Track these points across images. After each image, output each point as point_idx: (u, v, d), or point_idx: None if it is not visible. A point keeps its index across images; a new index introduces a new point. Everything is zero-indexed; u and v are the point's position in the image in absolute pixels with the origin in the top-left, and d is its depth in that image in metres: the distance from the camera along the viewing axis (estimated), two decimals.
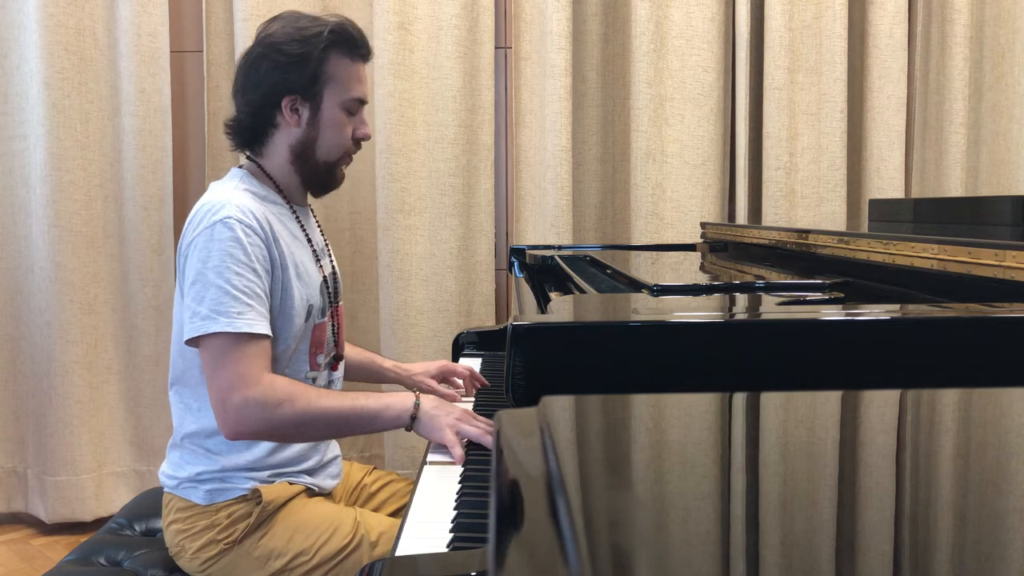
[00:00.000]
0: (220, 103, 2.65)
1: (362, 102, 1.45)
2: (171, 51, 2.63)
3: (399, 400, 1.32)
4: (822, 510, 0.45)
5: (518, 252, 2.17)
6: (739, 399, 0.66)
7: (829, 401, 0.66)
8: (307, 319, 1.42)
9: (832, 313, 0.87)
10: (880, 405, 0.64)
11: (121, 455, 2.70)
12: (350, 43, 1.41)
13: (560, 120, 2.57)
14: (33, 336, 2.62)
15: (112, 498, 2.67)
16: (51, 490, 2.60)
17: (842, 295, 1.08)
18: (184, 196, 2.72)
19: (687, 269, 1.52)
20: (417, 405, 1.31)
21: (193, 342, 1.31)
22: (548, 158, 2.60)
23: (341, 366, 1.55)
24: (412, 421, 1.31)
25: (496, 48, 2.68)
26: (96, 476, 2.64)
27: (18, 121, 2.60)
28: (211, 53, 2.64)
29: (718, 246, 2.09)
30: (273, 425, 1.28)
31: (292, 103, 1.40)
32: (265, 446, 1.40)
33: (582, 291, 1.34)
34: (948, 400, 0.66)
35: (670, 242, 2.55)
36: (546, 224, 2.63)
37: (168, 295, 2.67)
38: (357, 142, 1.47)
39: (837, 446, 0.56)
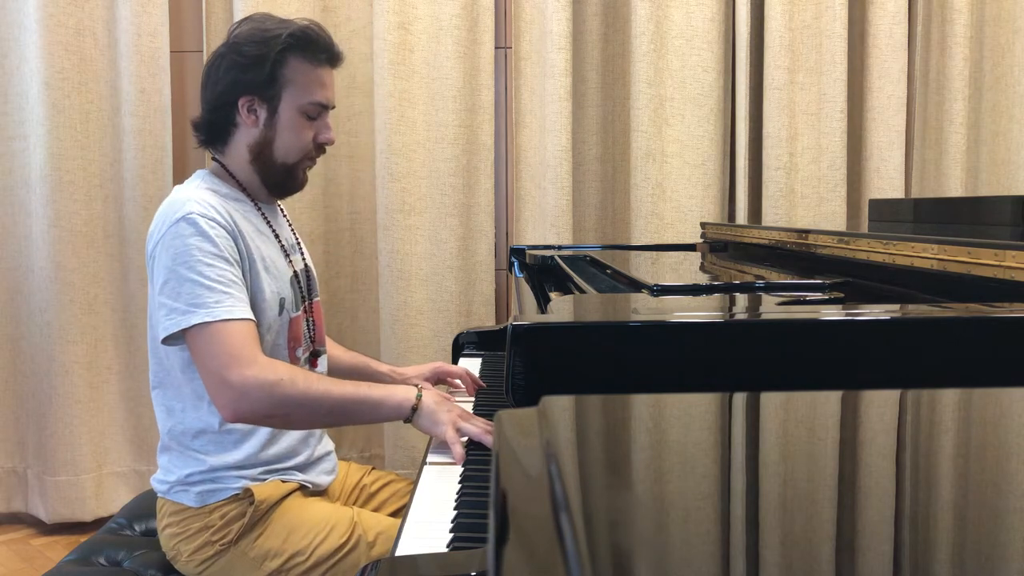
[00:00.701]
0: None
1: (324, 107, 1.44)
2: (171, 51, 2.63)
3: (401, 391, 1.32)
4: (822, 510, 0.45)
5: (518, 252, 2.17)
6: (739, 399, 0.66)
7: (829, 401, 0.66)
8: (280, 312, 1.42)
9: (832, 313, 0.87)
10: (880, 405, 0.64)
11: (121, 455, 2.70)
12: (311, 47, 1.41)
13: (560, 120, 2.57)
14: (33, 336, 2.62)
15: (112, 498, 2.67)
16: (51, 490, 2.60)
17: (842, 295, 1.08)
18: None
19: (687, 269, 1.51)
20: (419, 397, 1.31)
21: (172, 340, 1.30)
22: (548, 158, 2.60)
23: (321, 361, 1.55)
24: (412, 412, 1.30)
25: (496, 48, 2.68)
26: (96, 476, 2.64)
27: (18, 121, 2.60)
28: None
29: (718, 246, 2.09)
30: (276, 402, 1.25)
31: (249, 103, 1.40)
32: (253, 443, 1.39)
33: (582, 291, 1.34)
34: (948, 400, 0.66)
35: (670, 242, 2.55)
36: (546, 224, 2.63)
37: None
38: (320, 147, 1.46)
39: (837, 446, 0.56)
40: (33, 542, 2.60)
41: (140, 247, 2.64)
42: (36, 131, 2.53)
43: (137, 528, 1.59)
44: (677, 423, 0.61)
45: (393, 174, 2.59)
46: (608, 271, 1.49)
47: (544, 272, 1.95)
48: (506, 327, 0.84)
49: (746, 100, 2.62)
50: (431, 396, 1.32)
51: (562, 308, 1.00)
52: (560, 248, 2.23)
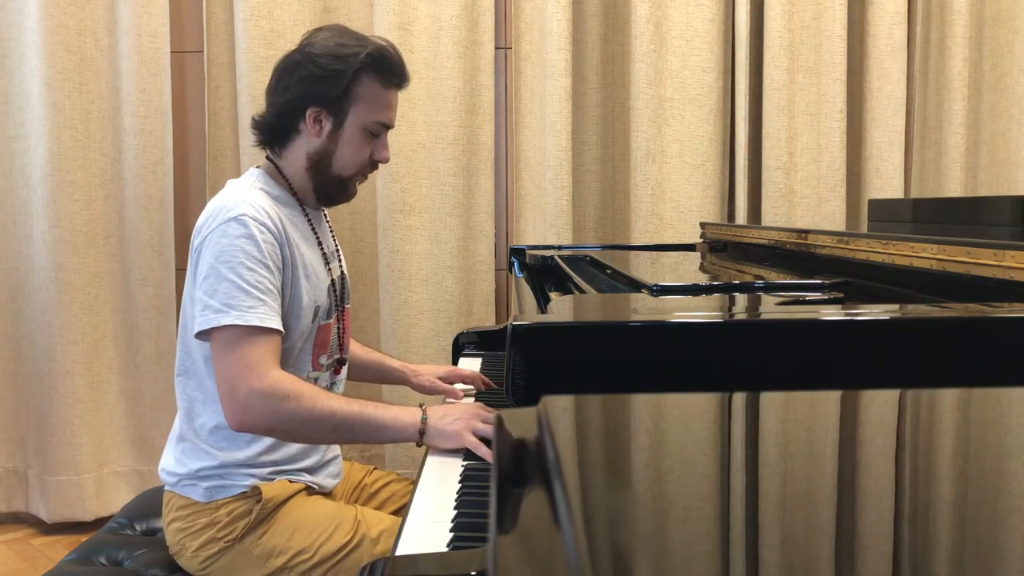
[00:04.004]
0: (220, 103, 2.65)
1: (386, 127, 1.47)
2: (171, 51, 2.63)
3: (407, 414, 1.32)
4: (822, 510, 0.45)
5: (518, 252, 2.17)
6: (739, 399, 0.67)
7: (829, 401, 0.66)
8: (313, 319, 1.43)
9: (832, 313, 0.88)
10: (880, 405, 0.64)
11: (122, 455, 2.70)
12: (386, 69, 1.43)
13: (560, 120, 2.57)
14: (34, 336, 2.62)
15: (113, 498, 2.67)
16: (52, 490, 2.60)
17: (841, 295, 1.08)
18: (184, 196, 2.72)
19: (687, 269, 1.52)
20: (424, 420, 1.31)
21: (203, 335, 1.32)
22: (548, 158, 2.60)
23: (344, 370, 1.56)
24: (421, 436, 1.30)
25: (496, 48, 2.68)
26: (97, 476, 2.64)
27: (18, 121, 2.60)
28: (211, 53, 2.64)
29: (718, 246, 2.10)
30: (279, 419, 1.28)
31: (316, 115, 1.42)
32: (266, 441, 1.40)
33: (582, 291, 1.34)
34: (948, 400, 0.66)
35: (670, 242, 2.55)
36: (546, 224, 2.63)
37: (168, 295, 2.67)
38: (374, 164, 1.49)
39: (837, 446, 0.56)
40: (34, 542, 2.60)
41: (140, 247, 2.64)
42: (37, 131, 2.53)
43: (138, 528, 1.59)
44: (677, 423, 0.61)
45: (393, 174, 2.59)
46: (608, 271, 1.49)
47: (544, 272, 1.95)
48: (506, 327, 0.84)
49: (746, 100, 2.63)
50: (435, 413, 1.32)
51: (562, 308, 1.00)
52: (560, 248, 2.23)
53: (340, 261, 1.57)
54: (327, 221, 1.58)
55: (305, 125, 1.43)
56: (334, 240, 1.58)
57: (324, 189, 1.48)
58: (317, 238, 1.49)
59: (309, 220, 1.49)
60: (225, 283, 1.29)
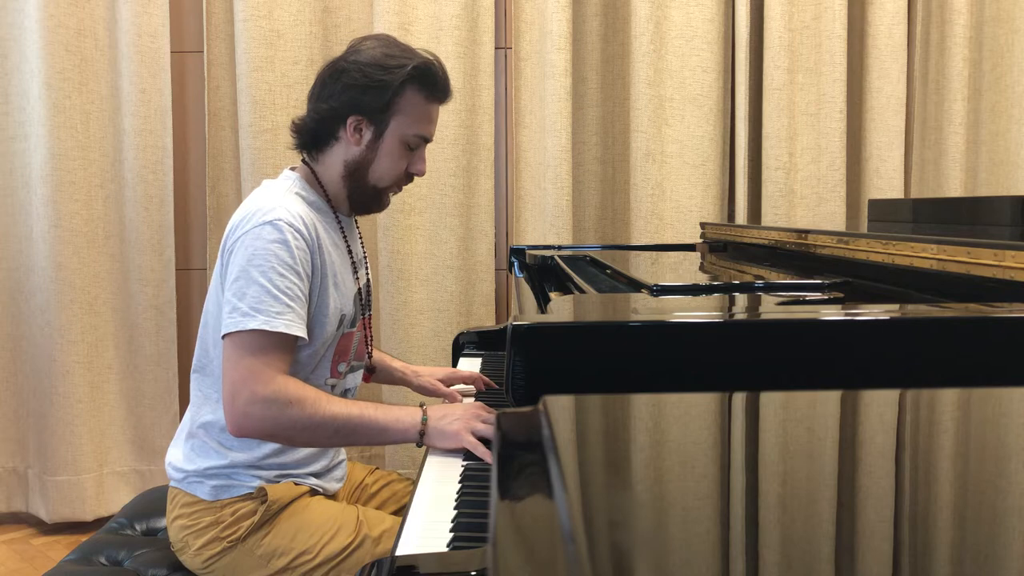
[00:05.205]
0: (220, 103, 2.65)
1: (425, 140, 1.47)
2: (171, 51, 2.63)
3: (407, 415, 1.32)
4: (822, 510, 0.45)
5: (518, 252, 2.17)
6: (739, 399, 0.67)
7: (829, 401, 0.66)
8: (338, 328, 1.43)
9: (831, 313, 0.88)
10: (880, 405, 0.64)
11: (122, 455, 2.71)
12: (430, 83, 1.43)
13: (560, 120, 2.57)
14: (34, 336, 2.62)
15: (113, 498, 2.68)
16: (52, 490, 2.60)
17: (841, 295, 1.08)
18: (184, 196, 2.72)
19: (687, 269, 1.52)
20: (424, 420, 1.31)
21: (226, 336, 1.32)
22: (548, 158, 2.60)
23: (369, 378, 1.57)
24: (421, 437, 1.31)
25: (496, 48, 2.68)
26: (97, 476, 2.64)
27: (19, 121, 2.60)
28: (211, 53, 2.64)
29: (718, 246, 2.10)
30: (279, 425, 1.28)
31: (357, 123, 1.42)
32: (274, 444, 1.40)
33: (582, 291, 1.34)
34: (948, 400, 0.66)
35: (670, 242, 2.55)
36: (546, 224, 2.63)
37: (168, 295, 2.67)
38: (410, 176, 1.49)
39: (837, 446, 0.56)
40: (34, 542, 2.60)
41: (140, 247, 2.64)
42: (37, 131, 2.53)
43: (138, 527, 1.59)
44: (677, 423, 0.61)
45: None
46: (608, 271, 1.49)
47: (544, 272, 1.95)
48: (506, 327, 0.84)
49: (746, 100, 2.63)
50: (435, 413, 1.32)
51: (562, 308, 1.00)
52: (560, 248, 2.23)
53: (367, 268, 1.58)
54: (357, 228, 1.58)
55: (345, 133, 1.43)
56: (363, 248, 1.58)
57: (359, 198, 1.48)
58: (347, 246, 1.49)
59: (341, 227, 1.49)
60: (255, 287, 1.29)
